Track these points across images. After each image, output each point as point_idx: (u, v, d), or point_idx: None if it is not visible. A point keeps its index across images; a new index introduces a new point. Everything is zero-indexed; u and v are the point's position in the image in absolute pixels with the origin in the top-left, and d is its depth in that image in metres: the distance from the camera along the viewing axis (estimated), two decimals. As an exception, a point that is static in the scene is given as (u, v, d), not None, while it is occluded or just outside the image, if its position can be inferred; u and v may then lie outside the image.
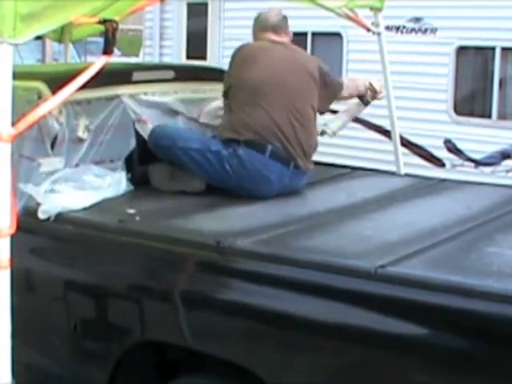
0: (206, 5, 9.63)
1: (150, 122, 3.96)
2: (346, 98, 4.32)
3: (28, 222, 3.18)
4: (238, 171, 3.68)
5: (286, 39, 4.06)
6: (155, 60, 10.17)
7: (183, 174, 3.77)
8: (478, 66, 7.64)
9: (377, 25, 4.82)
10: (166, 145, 3.80)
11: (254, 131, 3.71)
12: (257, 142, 3.70)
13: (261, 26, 4.06)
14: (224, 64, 7.70)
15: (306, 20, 7.59)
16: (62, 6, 2.56)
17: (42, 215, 3.29)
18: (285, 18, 4.08)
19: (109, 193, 3.56)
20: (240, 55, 3.92)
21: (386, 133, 6.61)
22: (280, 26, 4.05)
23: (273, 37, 4.01)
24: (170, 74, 4.22)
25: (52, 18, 2.54)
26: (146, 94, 4.01)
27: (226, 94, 3.93)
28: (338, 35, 8.09)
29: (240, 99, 3.81)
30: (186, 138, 3.83)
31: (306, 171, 3.88)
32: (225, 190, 3.69)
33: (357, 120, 6.16)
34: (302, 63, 3.98)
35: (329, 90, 4.05)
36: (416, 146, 7.71)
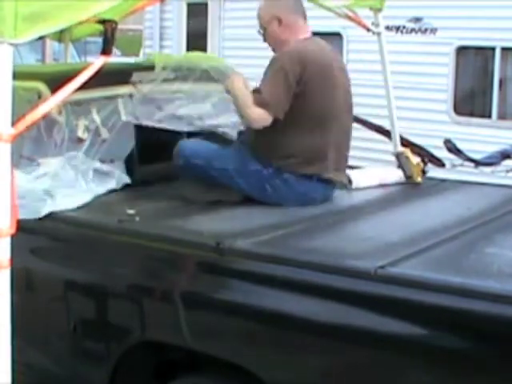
0: (205, 5, 9.62)
1: None
2: None
3: (28, 222, 3.18)
4: (280, 192, 3.52)
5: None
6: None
7: (220, 186, 3.59)
8: (478, 65, 7.63)
9: (377, 25, 4.81)
10: (200, 164, 3.59)
11: (304, 159, 3.54)
12: (305, 169, 3.56)
13: (291, 6, 3.69)
14: (224, 64, 7.64)
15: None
16: (66, 7, 2.55)
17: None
18: None
19: (107, 192, 3.56)
20: (300, 71, 3.47)
21: (386, 133, 6.60)
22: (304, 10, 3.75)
23: (304, 24, 3.71)
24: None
25: (56, 18, 2.53)
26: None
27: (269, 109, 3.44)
28: (337, 35, 8.08)
29: (294, 123, 3.50)
30: (220, 158, 3.61)
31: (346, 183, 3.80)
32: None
33: (357, 120, 6.16)
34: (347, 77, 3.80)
35: None
36: (416, 146, 7.70)
